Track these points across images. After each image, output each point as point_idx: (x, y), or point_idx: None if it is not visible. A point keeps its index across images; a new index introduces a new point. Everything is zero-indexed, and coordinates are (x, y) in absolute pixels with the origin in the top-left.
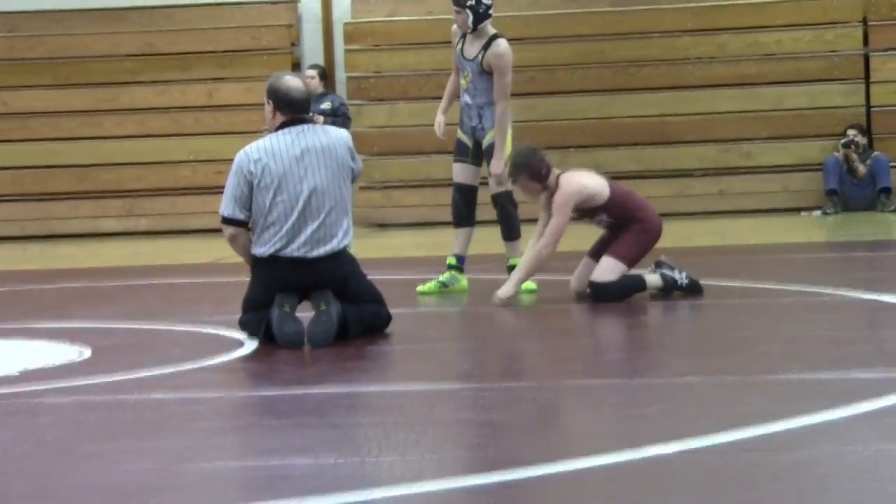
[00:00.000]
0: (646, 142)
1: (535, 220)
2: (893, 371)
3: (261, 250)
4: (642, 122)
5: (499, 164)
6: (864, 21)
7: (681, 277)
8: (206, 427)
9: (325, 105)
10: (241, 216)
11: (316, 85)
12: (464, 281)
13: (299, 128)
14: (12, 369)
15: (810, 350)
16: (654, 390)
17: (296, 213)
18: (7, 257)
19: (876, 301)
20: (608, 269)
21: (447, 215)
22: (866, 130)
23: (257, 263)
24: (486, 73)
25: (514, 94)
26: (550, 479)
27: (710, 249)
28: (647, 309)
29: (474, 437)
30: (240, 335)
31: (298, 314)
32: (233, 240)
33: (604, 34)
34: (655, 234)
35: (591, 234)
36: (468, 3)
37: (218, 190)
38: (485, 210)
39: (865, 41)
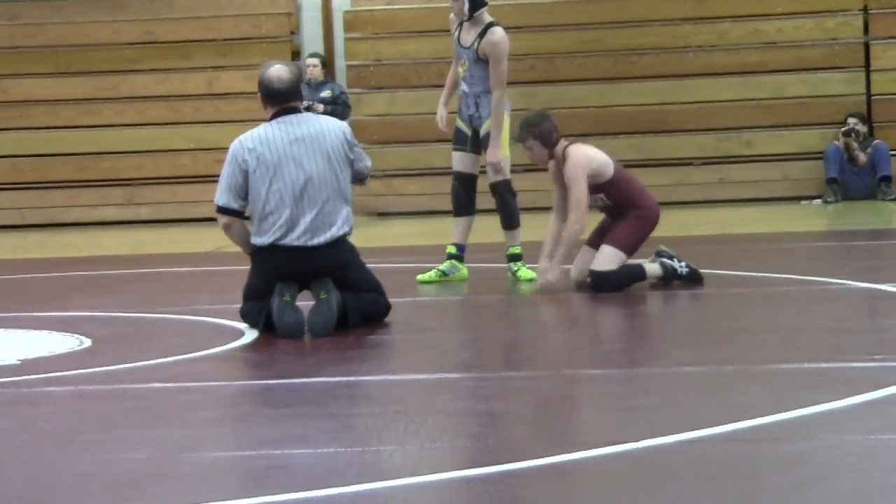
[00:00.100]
0: (646, 130)
1: (534, 209)
2: (893, 360)
3: (260, 240)
4: (642, 111)
5: (495, 153)
6: (865, 9)
7: (680, 266)
8: (206, 416)
9: (325, 93)
10: (234, 205)
11: (318, 73)
12: (464, 270)
13: (292, 117)
14: (12, 358)
15: (810, 339)
16: (653, 380)
17: (293, 202)
18: (7, 246)
19: (876, 290)
20: (608, 258)
21: (447, 204)
22: (867, 119)
23: (257, 253)
24: (482, 61)
25: (513, 83)
26: (550, 468)
27: (710, 238)
28: (646, 298)
29: (474, 427)
30: (240, 324)
31: (298, 303)
32: (227, 229)
33: (603, 22)
34: (653, 222)
35: (589, 223)
36: None
37: (218, 179)
38: (484, 199)
39: (866, 29)
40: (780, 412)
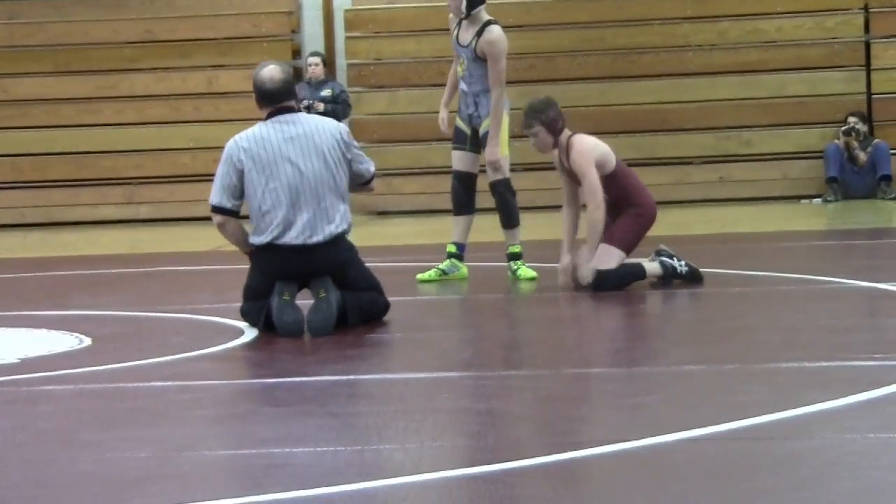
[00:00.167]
0: (645, 129)
1: (533, 208)
2: (893, 359)
3: (258, 239)
4: (642, 110)
5: (494, 151)
6: (866, 8)
7: (680, 265)
8: (206, 415)
9: (326, 92)
10: (228, 205)
11: (319, 72)
12: (464, 269)
13: (286, 116)
14: (12, 357)
15: (810, 338)
16: (653, 379)
17: (289, 200)
18: (7, 245)
19: (876, 289)
20: (607, 257)
21: (447, 203)
22: (867, 118)
23: (256, 252)
24: (480, 59)
25: (513, 82)
26: (550, 467)
27: (710, 237)
28: (646, 297)
29: (474, 426)
30: (240, 323)
31: (298, 302)
32: (221, 228)
33: (603, 21)
34: (650, 220)
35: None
36: None
37: None
38: (484, 198)
39: (866, 28)
40: (780, 411)
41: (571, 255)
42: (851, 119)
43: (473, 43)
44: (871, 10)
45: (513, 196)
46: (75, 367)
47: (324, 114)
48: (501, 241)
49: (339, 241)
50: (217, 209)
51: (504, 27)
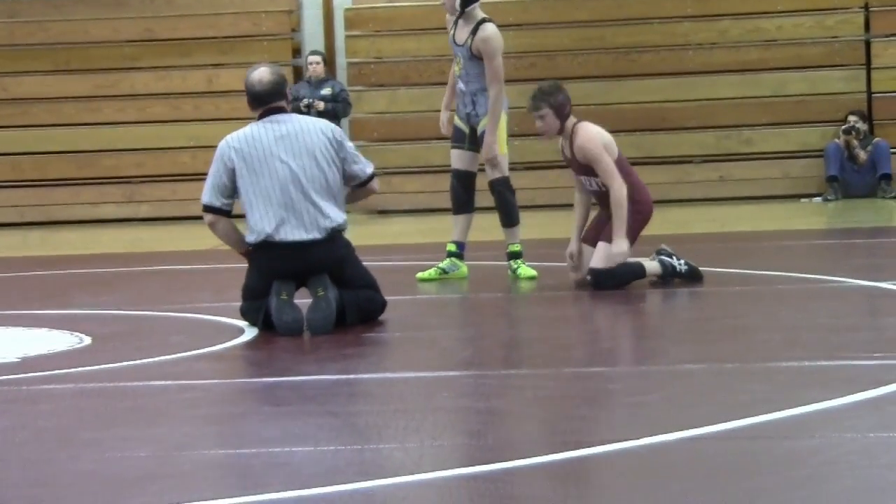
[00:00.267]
0: (646, 128)
1: (533, 207)
2: (893, 358)
3: (252, 237)
4: (642, 109)
5: (491, 148)
6: (866, 7)
7: (680, 264)
8: (206, 414)
9: (326, 91)
10: (217, 203)
11: (320, 71)
12: (464, 268)
13: (277, 116)
14: (12, 356)
15: (810, 337)
16: (653, 378)
17: (281, 198)
18: (7, 244)
19: (876, 288)
20: (606, 256)
21: (447, 202)
22: (867, 117)
23: (252, 251)
24: (476, 58)
25: (514, 81)
26: (550, 466)
27: (710, 236)
28: (646, 296)
29: (474, 425)
30: (240, 322)
31: (296, 301)
32: (212, 226)
33: (604, 20)
34: (647, 217)
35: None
36: None
37: None
38: (484, 196)
39: (867, 27)
40: (780, 410)
41: (578, 241)
42: (852, 118)
43: (469, 41)
44: (871, 9)
45: (512, 195)
46: (75, 366)
47: (324, 112)
48: (501, 240)
49: (335, 238)
50: (207, 208)
51: (505, 26)
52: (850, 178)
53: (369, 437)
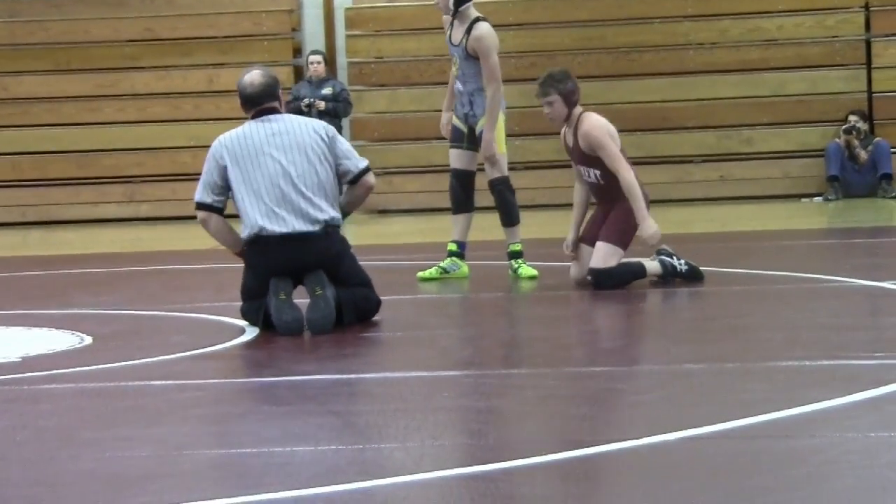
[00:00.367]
0: (646, 128)
1: (533, 206)
2: (893, 358)
3: (246, 232)
4: (643, 108)
5: (489, 146)
6: (866, 6)
7: (680, 264)
8: (206, 414)
9: (327, 90)
10: (209, 199)
11: (321, 70)
12: (465, 267)
13: (269, 115)
14: (13, 356)
15: (810, 337)
16: (654, 377)
17: (272, 193)
18: (7, 243)
19: (876, 287)
20: (606, 255)
21: (447, 201)
22: (868, 116)
23: (247, 249)
24: (472, 57)
25: (514, 80)
26: (551, 466)
27: (711, 236)
28: (646, 296)
29: (475, 424)
30: (240, 322)
31: (295, 300)
32: (205, 224)
33: (604, 19)
34: None
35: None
36: None
37: None
38: (484, 196)
39: (867, 27)
40: (780, 409)
41: (576, 231)
42: (852, 117)
43: (464, 41)
44: (871, 9)
45: (512, 194)
46: (76, 366)
47: (325, 112)
48: (502, 240)
49: (330, 234)
50: (199, 205)
51: (505, 26)
52: (851, 178)
53: (370, 436)
